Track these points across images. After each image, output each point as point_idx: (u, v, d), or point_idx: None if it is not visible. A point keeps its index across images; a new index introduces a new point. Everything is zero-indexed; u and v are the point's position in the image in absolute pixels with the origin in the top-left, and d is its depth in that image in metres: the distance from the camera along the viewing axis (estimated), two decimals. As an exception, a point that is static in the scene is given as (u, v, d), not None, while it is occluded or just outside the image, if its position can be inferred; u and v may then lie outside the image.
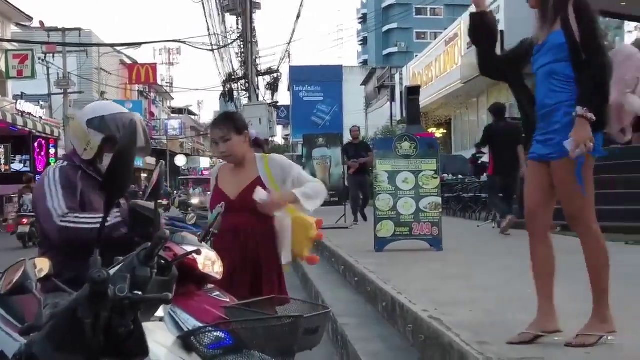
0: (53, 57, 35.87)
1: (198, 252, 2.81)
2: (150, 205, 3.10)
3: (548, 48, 3.72)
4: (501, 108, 11.89)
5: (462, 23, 29.06)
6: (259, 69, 28.62)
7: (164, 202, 38.35)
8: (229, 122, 4.04)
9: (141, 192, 28.03)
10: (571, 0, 3.65)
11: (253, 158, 4.09)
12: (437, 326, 4.31)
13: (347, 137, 21.29)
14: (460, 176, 21.60)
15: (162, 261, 2.21)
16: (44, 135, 30.88)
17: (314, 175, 15.77)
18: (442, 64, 32.57)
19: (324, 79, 52.92)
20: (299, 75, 53.16)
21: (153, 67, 44.39)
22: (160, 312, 2.41)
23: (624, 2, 19.62)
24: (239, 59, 27.74)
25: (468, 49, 27.43)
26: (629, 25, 36.44)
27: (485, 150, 12.08)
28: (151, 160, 46.76)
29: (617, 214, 10.95)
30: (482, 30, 3.97)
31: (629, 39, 38.55)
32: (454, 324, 4.29)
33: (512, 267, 6.97)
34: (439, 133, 35.23)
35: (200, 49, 26.38)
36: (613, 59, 3.64)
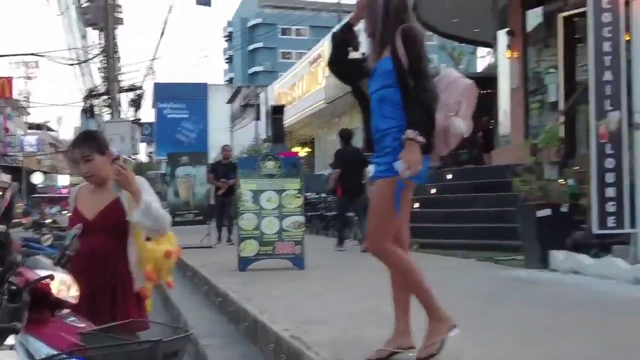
0: None
1: (51, 277, 2.72)
2: (1, 228, 2.97)
3: (377, 74, 3.83)
4: (349, 133, 12.78)
5: (326, 44, 29.59)
6: (121, 85, 27.98)
7: (24, 220, 36.59)
8: (91, 141, 3.93)
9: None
10: (399, 28, 3.76)
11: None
12: (297, 345, 4.36)
13: (212, 156, 21.12)
14: (323, 195, 21.89)
15: (13, 287, 2.14)
16: None
17: (177, 193, 15.61)
18: (306, 83, 33.02)
19: (190, 97, 52.41)
20: (164, 92, 52.35)
21: (9, 80, 42.37)
22: (11, 340, 2.32)
23: (477, 29, 20.65)
24: (101, 74, 27.05)
25: (331, 70, 27.98)
26: (482, 51, 38.39)
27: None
28: (6, 177, 44.58)
29: (468, 232, 11.47)
30: (345, 40, 4.07)
31: (482, 63, 40.53)
32: (314, 342, 4.35)
33: (373, 285, 7.13)
34: (302, 152, 35.62)
35: (60, 63, 25.57)
36: (437, 85, 3.77)
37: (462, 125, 3.72)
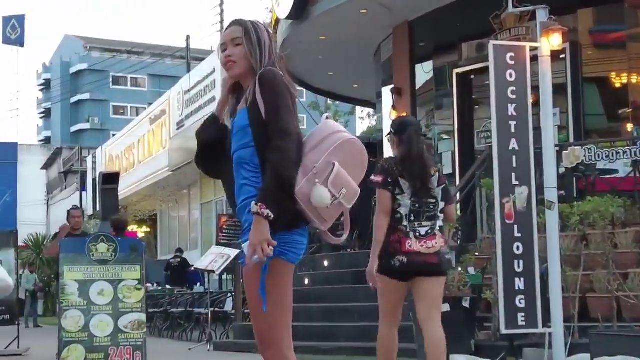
0: None
1: None
2: None
3: (235, 131, 3.79)
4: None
5: (171, 97, 29.61)
6: None
7: None
8: None
9: None
10: (258, 73, 3.74)
11: None
12: None
13: (24, 235, 20.45)
14: (167, 286, 21.65)
15: None
16: None
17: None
18: (146, 146, 32.76)
19: (-7, 160, 50.76)
20: (-41, 153, 50.54)
21: None
22: None
23: (357, 85, 21.27)
24: None
25: (178, 129, 27.92)
26: (362, 112, 39.51)
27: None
28: None
29: (351, 333, 11.56)
30: (212, 140, 3.95)
31: (361, 126, 41.70)
32: None
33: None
34: (141, 232, 35.11)
35: None
36: (306, 142, 3.70)
37: (325, 194, 3.59)
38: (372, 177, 5.93)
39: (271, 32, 3.97)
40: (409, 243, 5.78)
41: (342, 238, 3.97)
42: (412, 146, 6.04)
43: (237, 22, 3.91)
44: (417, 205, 5.88)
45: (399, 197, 5.90)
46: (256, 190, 3.64)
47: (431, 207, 5.94)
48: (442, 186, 6.04)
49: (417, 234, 5.82)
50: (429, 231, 5.86)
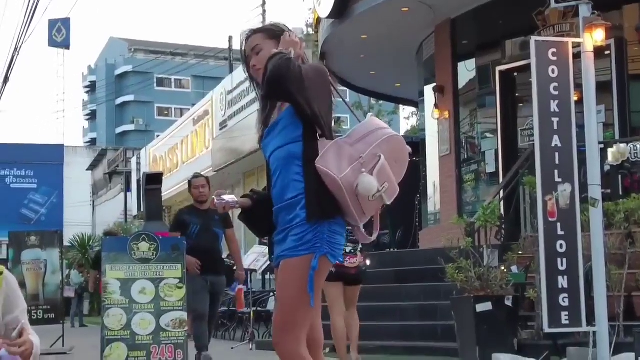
0: None
1: None
2: None
3: (282, 126, 3.84)
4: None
5: (214, 98, 29.74)
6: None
7: None
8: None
9: None
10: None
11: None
12: None
13: (68, 237, 20.62)
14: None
15: None
16: None
17: (22, 284, 15.10)
18: (190, 146, 32.92)
19: (40, 161, 51.25)
20: (6, 155, 51.05)
21: None
22: None
23: (399, 84, 21.21)
24: None
25: (221, 129, 28.05)
26: (405, 111, 39.39)
27: None
28: None
29: (393, 332, 11.51)
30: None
31: (405, 126, 41.57)
32: None
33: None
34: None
35: None
36: (353, 134, 3.81)
37: (373, 183, 3.64)
38: None
39: (297, 34, 4.02)
40: None
41: (373, 237, 4.00)
42: None
43: (254, 32, 4.06)
44: None
45: None
46: (305, 187, 3.70)
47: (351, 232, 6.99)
48: None
49: (343, 251, 7.18)
50: (352, 250, 7.92)
